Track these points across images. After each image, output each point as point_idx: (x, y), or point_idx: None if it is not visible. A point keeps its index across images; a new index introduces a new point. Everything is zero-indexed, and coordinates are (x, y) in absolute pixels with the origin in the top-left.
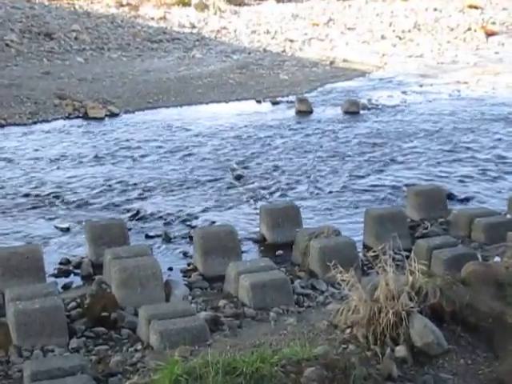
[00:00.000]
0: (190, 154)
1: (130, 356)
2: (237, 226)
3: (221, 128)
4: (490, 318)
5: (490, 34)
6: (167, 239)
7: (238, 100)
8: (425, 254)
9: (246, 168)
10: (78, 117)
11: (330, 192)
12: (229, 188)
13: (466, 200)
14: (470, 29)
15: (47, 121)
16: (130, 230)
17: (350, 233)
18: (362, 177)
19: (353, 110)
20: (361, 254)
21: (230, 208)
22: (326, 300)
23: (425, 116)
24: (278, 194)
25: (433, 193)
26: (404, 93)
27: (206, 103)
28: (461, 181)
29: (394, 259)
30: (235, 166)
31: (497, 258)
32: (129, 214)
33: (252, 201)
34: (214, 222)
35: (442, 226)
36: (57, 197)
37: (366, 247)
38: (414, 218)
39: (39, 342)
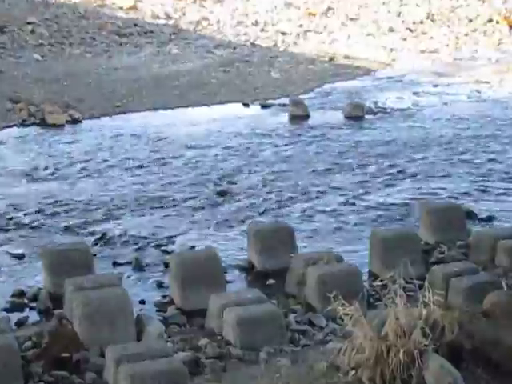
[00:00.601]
0: (165, 167)
1: None
2: (220, 250)
3: (201, 136)
4: None
5: None
6: (139, 267)
7: (221, 103)
8: (441, 282)
9: (230, 183)
10: (34, 123)
11: (330, 211)
12: (211, 206)
13: (489, 219)
14: (491, 20)
15: None
16: (94, 256)
17: (354, 259)
18: (367, 193)
19: (356, 115)
20: (366, 284)
21: (212, 230)
22: (325, 337)
23: (440, 121)
24: (268, 213)
25: (450, 211)
26: (416, 94)
27: (185, 106)
28: (482, 197)
29: (404, 289)
30: (218, 180)
31: None
32: (93, 238)
33: (238, 221)
34: (193, 247)
35: (461, 249)
36: (9, 218)
37: (373, 275)
38: (428, 240)
39: None
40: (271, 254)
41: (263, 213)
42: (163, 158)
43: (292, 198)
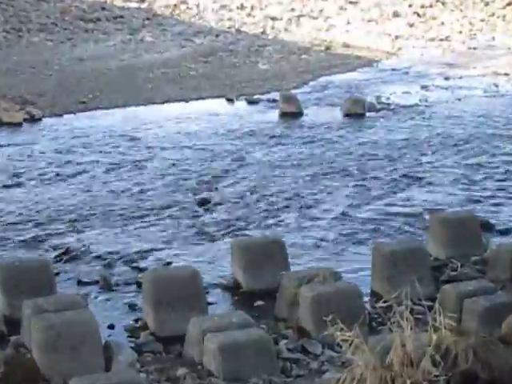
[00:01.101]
0: (138, 172)
1: None
2: (201, 268)
3: (179, 136)
4: None
5: None
6: (107, 286)
7: (202, 98)
8: (453, 303)
9: (213, 190)
10: None
11: (326, 222)
12: (190, 217)
13: (508, 232)
14: (510, 3)
15: None
16: (57, 274)
17: (354, 276)
18: (369, 201)
19: (356, 112)
20: (368, 305)
21: (191, 244)
22: (321, 367)
23: (452, 119)
24: (256, 224)
25: (463, 222)
26: (424, 88)
27: (160, 103)
28: (499, 205)
29: (412, 311)
30: (198, 187)
31: None
32: (55, 253)
33: (221, 234)
34: (169, 263)
35: (477, 266)
36: None
37: (375, 296)
38: (439, 255)
39: None
40: (259, 272)
41: (250, 224)
42: (135, 162)
43: (283, 207)
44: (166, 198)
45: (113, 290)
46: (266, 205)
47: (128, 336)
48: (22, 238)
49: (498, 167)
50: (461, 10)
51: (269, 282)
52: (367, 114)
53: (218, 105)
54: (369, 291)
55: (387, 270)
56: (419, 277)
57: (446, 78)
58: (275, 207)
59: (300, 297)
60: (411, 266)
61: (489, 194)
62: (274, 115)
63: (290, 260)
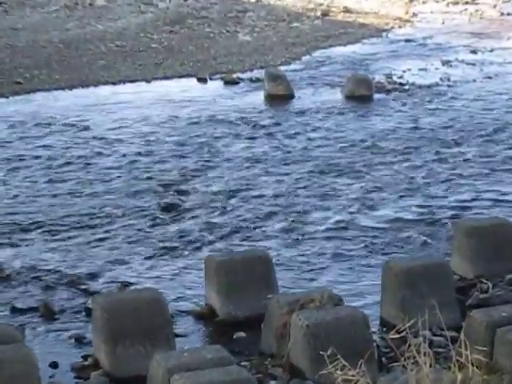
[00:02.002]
0: (86, 170)
1: None
2: (166, 290)
3: (139, 125)
4: None
5: None
6: (49, 314)
7: (167, 78)
8: (483, 334)
9: (181, 193)
10: None
11: (324, 232)
12: (152, 227)
13: None
14: None
15: None
16: None
17: (359, 300)
18: (376, 206)
19: (361, 94)
20: (377, 337)
21: (154, 260)
22: None
23: (481, 102)
24: (235, 236)
25: (496, 231)
26: (446, 64)
27: (113, 83)
28: None
29: (431, 344)
30: (163, 189)
31: None
32: None
33: (191, 249)
34: (126, 285)
35: None
36: None
37: (386, 324)
38: (466, 273)
39: None
40: (240, 296)
41: (227, 236)
42: (83, 158)
43: (269, 213)
44: (122, 203)
45: (56, 319)
46: (247, 211)
47: (75, 377)
48: None
49: None
50: None
51: (252, 308)
52: (375, 97)
53: (188, 86)
54: (378, 319)
55: (401, 293)
56: (440, 300)
57: (473, 52)
58: (259, 214)
59: (291, 326)
60: (430, 288)
61: None
62: (257, 99)
63: (278, 280)
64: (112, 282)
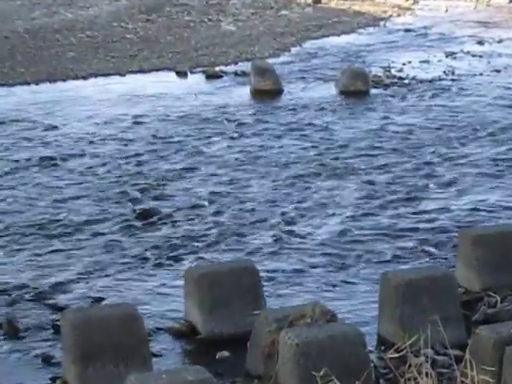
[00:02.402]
0: (54, 174)
1: None
2: (142, 305)
3: (112, 123)
4: None
5: None
6: (13, 332)
7: (142, 71)
8: (491, 352)
9: (158, 198)
10: None
11: (315, 241)
12: (126, 235)
13: None
14: None
15: None
16: None
17: (354, 316)
18: (374, 212)
19: (357, 89)
20: (374, 356)
21: (128, 272)
22: None
23: (488, 98)
24: (218, 245)
25: (505, 240)
26: (450, 56)
27: (84, 77)
28: None
29: (434, 364)
30: (139, 194)
31: None
32: None
33: (170, 259)
34: (99, 300)
35: None
36: None
37: (384, 342)
38: (472, 286)
39: None
40: (223, 311)
41: (209, 245)
42: (50, 160)
43: (255, 221)
44: (93, 210)
45: (20, 338)
46: (231, 218)
47: None
48: None
49: None
50: None
51: (237, 325)
52: (371, 92)
53: (166, 80)
54: (375, 336)
55: (400, 307)
56: (444, 316)
57: (480, 42)
58: (244, 221)
59: (280, 345)
60: (433, 302)
61: None
62: (242, 94)
63: (265, 294)
64: (83, 296)
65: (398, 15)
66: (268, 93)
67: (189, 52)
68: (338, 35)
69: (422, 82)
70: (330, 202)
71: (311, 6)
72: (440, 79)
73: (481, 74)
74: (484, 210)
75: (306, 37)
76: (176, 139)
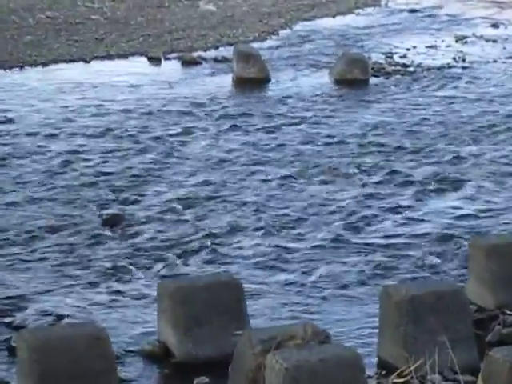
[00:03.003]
0: (10, 173)
1: None
2: (110, 325)
3: (75, 117)
4: None
5: None
6: None
7: (110, 57)
8: (506, 377)
9: (126, 202)
10: None
11: (306, 250)
12: (92, 244)
13: None
14: None
15: None
16: None
17: (351, 336)
18: (373, 218)
19: (354, 77)
20: (374, 382)
21: (95, 286)
22: None
23: (503, 88)
24: (196, 256)
25: None
26: (461, 40)
27: (44, 64)
28: None
29: None
30: (106, 197)
31: None
32: None
33: (140, 271)
34: (60, 318)
35: None
36: None
37: (385, 366)
38: (485, 303)
39: None
40: (201, 332)
41: (186, 256)
42: (8, 157)
43: (239, 228)
44: (52, 215)
45: None
46: (210, 225)
47: None
48: None
49: None
50: None
51: (217, 347)
52: (371, 81)
53: (137, 67)
54: (374, 359)
55: (403, 327)
56: (453, 337)
57: (494, 25)
58: (225, 229)
59: (266, 369)
60: (441, 321)
61: None
62: (224, 83)
63: (249, 312)
64: (42, 313)
65: None
66: (253, 82)
67: (163, 35)
68: (333, 16)
69: (428, 69)
70: (323, 207)
71: None
72: (449, 67)
73: (495, 61)
74: (499, 216)
75: (297, 18)
76: (147, 135)
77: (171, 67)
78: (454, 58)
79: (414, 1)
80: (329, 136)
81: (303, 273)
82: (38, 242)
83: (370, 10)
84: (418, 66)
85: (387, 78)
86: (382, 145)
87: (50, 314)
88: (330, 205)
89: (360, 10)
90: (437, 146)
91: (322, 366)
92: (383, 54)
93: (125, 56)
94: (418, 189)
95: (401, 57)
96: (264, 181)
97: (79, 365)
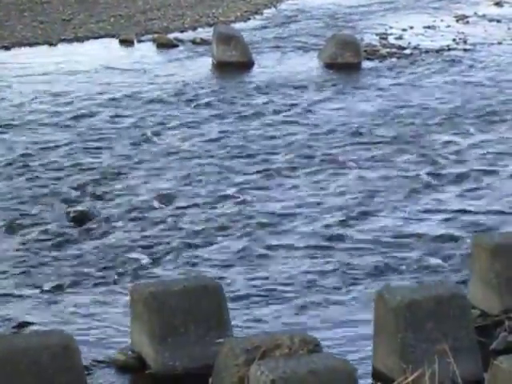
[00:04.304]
0: None
1: None
2: (78, 332)
3: (39, 105)
4: None
5: None
6: None
7: (78, 39)
8: None
9: (96, 198)
10: None
11: (294, 251)
12: (59, 244)
13: None
14: None
15: None
16: None
17: (342, 345)
18: (368, 215)
19: (345, 61)
20: None
21: (61, 291)
22: None
23: (508, 73)
24: (173, 258)
25: None
26: (462, 20)
27: (6, 47)
28: None
29: None
30: (74, 192)
31: None
32: None
33: (111, 274)
34: (24, 326)
35: None
36: None
37: (381, 378)
38: (489, 307)
39: None
40: (179, 340)
41: (162, 257)
42: None
43: (220, 227)
44: (14, 212)
45: None
46: (188, 223)
47: None
48: None
49: None
50: None
51: (196, 358)
52: (364, 65)
53: (107, 50)
54: (369, 370)
55: (401, 334)
56: (454, 345)
57: (498, 3)
58: (205, 228)
59: (251, 381)
60: (441, 327)
61: None
62: (203, 68)
63: (232, 319)
64: (4, 320)
65: None
66: (234, 66)
67: (135, 15)
68: None
69: (426, 52)
70: (312, 203)
71: None
72: (449, 49)
73: (499, 43)
74: (504, 213)
75: None
76: (119, 125)
77: (145, 50)
78: (455, 40)
79: None
80: (317, 125)
81: (291, 274)
82: None
83: None
84: (415, 48)
85: (381, 62)
86: (376, 135)
87: (10, 321)
88: (320, 200)
89: None
90: (435, 136)
91: (312, 377)
92: (377, 35)
93: (94, 38)
94: (415, 182)
95: (396, 38)
96: (248, 173)
97: (45, 377)
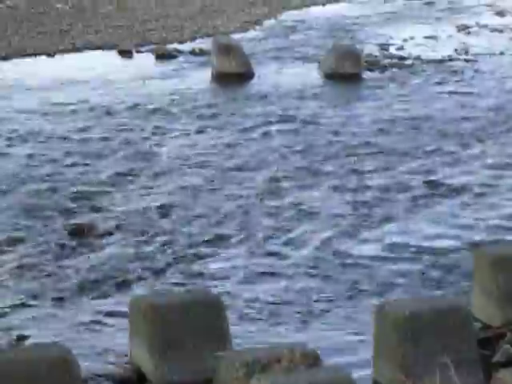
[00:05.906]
0: None
1: None
2: (77, 344)
3: (38, 116)
4: None
5: None
6: None
7: (76, 50)
8: None
9: (95, 210)
10: None
11: (294, 264)
12: (56, 258)
13: None
14: None
15: None
16: None
17: (343, 359)
18: (368, 227)
19: (346, 71)
20: None
21: (60, 304)
22: None
23: (509, 83)
24: (172, 270)
25: None
26: (464, 30)
27: (4, 58)
28: None
29: None
30: (72, 204)
31: None
32: None
33: (109, 287)
34: (23, 339)
35: None
36: None
37: None
38: (491, 319)
39: None
40: (178, 354)
41: (161, 270)
42: None
43: (218, 240)
44: (13, 225)
45: None
46: (188, 236)
47: None
48: None
49: None
50: None
51: (195, 371)
52: (365, 76)
53: (106, 61)
54: (370, 383)
55: (401, 348)
56: (456, 358)
57: (500, 13)
58: (204, 239)
59: None
60: (442, 340)
61: None
62: (202, 79)
63: (232, 331)
64: (4, 333)
65: None
66: (234, 77)
67: (134, 26)
68: (323, 4)
69: (428, 62)
70: (313, 214)
71: None
72: (451, 59)
73: (501, 54)
74: (505, 227)
75: (282, 7)
76: (119, 136)
77: (144, 61)
78: (456, 50)
79: None
80: (317, 136)
81: (290, 287)
82: None
83: None
84: (416, 58)
85: (382, 72)
86: (376, 146)
87: (10, 333)
88: (319, 211)
89: None
90: (436, 147)
91: None
92: (378, 45)
93: (92, 49)
94: (416, 193)
95: (397, 48)
96: (246, 186)
97: None
